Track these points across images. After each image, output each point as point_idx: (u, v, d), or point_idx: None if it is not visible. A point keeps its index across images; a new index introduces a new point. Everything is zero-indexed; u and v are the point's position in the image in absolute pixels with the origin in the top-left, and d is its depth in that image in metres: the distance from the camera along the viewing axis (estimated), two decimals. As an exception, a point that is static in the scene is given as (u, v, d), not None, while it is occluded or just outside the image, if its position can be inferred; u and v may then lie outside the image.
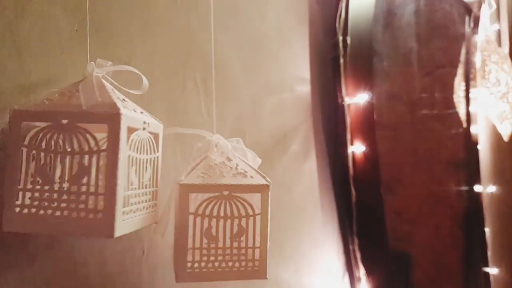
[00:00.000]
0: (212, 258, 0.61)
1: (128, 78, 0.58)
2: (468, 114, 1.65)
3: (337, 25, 1.36)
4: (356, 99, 1.36)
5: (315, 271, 1.24)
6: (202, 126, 0.85)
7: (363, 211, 1.36)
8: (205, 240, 0.61)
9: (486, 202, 1.70)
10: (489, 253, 1.69)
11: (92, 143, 0.47)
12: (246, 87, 1.02)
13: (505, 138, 1.62)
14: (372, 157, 1.38)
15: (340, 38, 1.36)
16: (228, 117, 0.95)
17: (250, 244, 0.61)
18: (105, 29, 0.67)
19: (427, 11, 1.65)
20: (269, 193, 0.62)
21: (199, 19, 0.87)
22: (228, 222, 0.60)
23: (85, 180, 0.48)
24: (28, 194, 0.49)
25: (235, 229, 0.61)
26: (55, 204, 0.48)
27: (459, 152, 1.68)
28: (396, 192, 1.56)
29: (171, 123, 0.76)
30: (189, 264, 0.60)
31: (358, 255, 1.37)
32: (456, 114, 1.66)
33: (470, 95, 1.63)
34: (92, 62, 0.54)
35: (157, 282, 0.74)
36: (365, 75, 1.40)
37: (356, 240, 1.36)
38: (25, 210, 0.48)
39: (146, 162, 0.57)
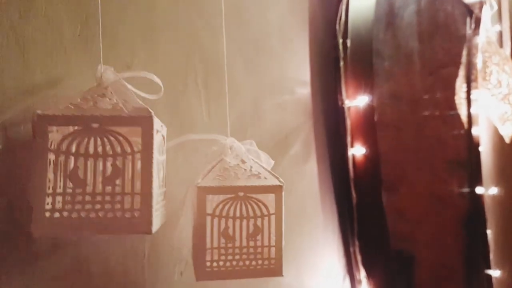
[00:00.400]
0: (229, 257, 0.62)
1: (129, 81, 0.59)
2: (469, 116, 1.66)
3: (337, 27, 1.36)
4: (356, 102, 1.36)
5: (316, 273, 1.24)
6: (204, 127, 0.86)
7: (363, 213, 1.36)
8: (222, 240, 0.62)
9: (488, 204, 1.71)
10: (491, 255, 1.70)
11: (127, 145, 0.49)
12: (247, 88, 1.02)
13: (507, 140, 1.63)
14: (372, 159, 1.38)
15: (340, 40, 1.36)
16: (229, 118, 0.95)
17: (266, 243, 0.63)
18: (107, 31, 0.68)
19: (428, 11, 1.66)
20: (283, 193, 0.63)
21: (201, 20, 0.87)
22: (244, 222, 0.62)
23: (118, 181, 0.49)
24: (59, 198, 0.49)
25: (251, 228, 0.63)
26: (89, 206, 0.49)
27: (461, 154, 1.70)
28: (397, 191, 1.56)
29: (172, 125, 0.77)
30: (207, 263, 0.61)
31: (359, 257, 1.37)
32: (457, 116, 1.67)
33: (472, 96, 1.65)
34: (109, 67, 0.54)
35: (159, 282, 0.75)
36: (365, 77, 1.40)
37: (356, 243, 1.36)
38: (56, 214, 0.49)
39: (160, 163, 0.59)
